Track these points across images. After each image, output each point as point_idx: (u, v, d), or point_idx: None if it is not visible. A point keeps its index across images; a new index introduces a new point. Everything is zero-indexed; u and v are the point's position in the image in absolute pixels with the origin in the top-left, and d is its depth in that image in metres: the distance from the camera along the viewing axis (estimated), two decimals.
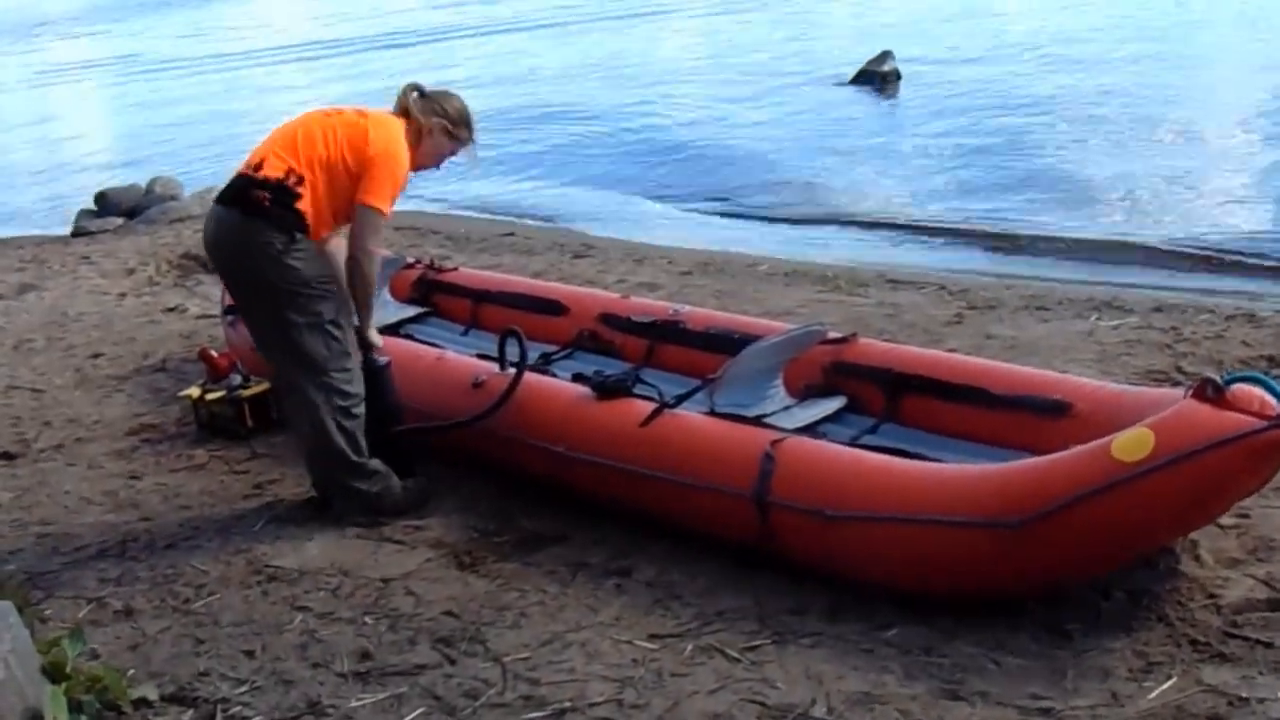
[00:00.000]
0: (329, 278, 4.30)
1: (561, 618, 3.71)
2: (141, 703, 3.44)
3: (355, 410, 4.36)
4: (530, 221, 10.05)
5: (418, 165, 4.49)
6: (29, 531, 4.71)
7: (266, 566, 4.21)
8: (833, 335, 4.71)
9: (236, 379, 5.46)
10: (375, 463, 4.44)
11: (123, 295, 8.21)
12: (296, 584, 4.08)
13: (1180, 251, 7.78)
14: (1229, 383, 3.29)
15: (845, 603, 3.61)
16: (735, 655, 3.42)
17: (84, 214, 11.15)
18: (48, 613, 4.03)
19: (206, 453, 5.28)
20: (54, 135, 18.41)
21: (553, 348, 5.39)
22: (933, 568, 3.49)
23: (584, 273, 7.65)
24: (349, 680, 3.51)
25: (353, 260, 4.30)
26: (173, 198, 11.11)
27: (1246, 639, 3.28)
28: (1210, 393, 3.26)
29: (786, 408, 4.49)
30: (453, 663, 3.53)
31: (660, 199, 10.47)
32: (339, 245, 4.44)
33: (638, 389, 4.38)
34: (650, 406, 4.17)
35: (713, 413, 4.20)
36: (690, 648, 3.48)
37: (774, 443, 3.82)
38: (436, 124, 4.46)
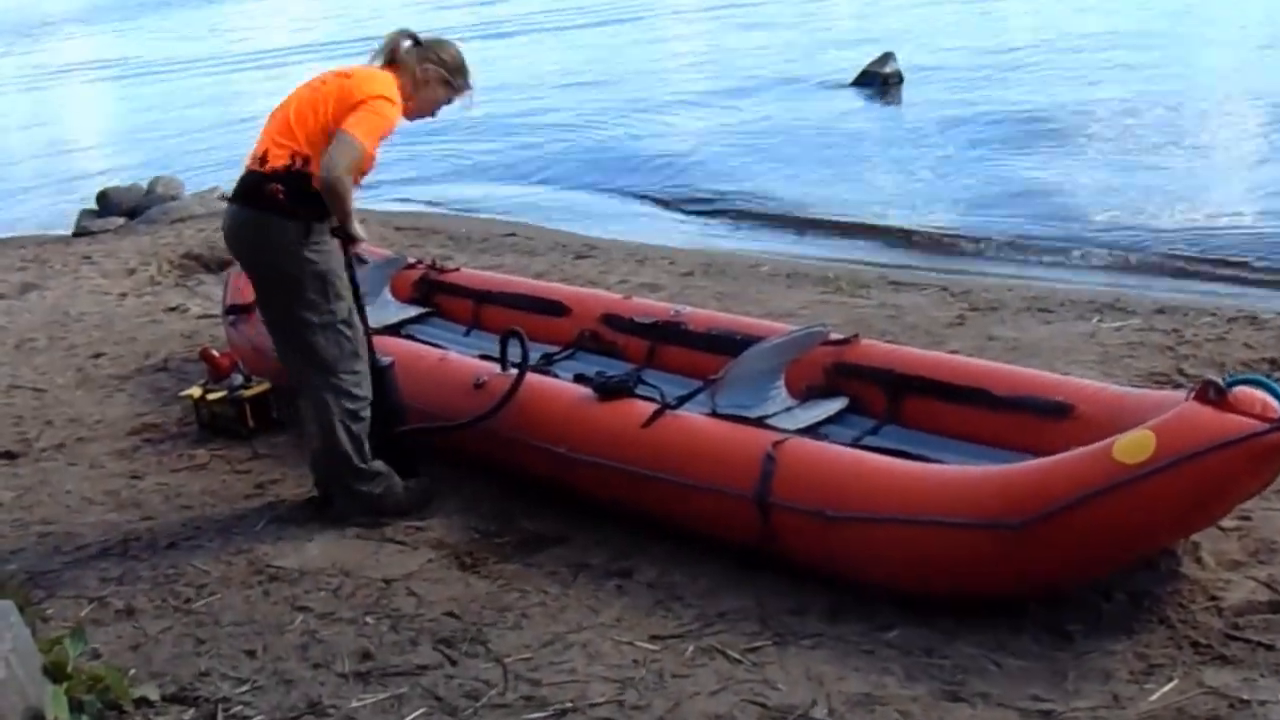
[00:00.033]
0: (343, 274, 4.30)
1: (563, 618, 3.71)
2: (143, 702, 3.44)
3: (363, 413, 4.36)
4: (532, 222, 10.04)
5: (414, 114, 4.43)
6: (30, 531, 4.72)
7: (268, 566, 4.21)
8: (834, 336, 4.71)
9: (238, 379, 5.46)
10: (378, 464, 4.44)
11: (124, 295, 8.21)
12: (298, 584, 4.08)
13: (1181, 254, 7.76)
14: (1231, 385, 3.29)
15: (846, 604, 3.61)
16: (736, 656, 3.42)
17: (85, 214, 11.16)
18: (49, 612, 4.03)
19: (208, 452, 5.28)
20: (55, 135, 18.41)
21: (554, 348, 5.39)
22: (934, 569, 3.49)
23: (586, 273, 7.65)
24: (350, 680, 3.51)
25: (323, 184, 4.09)
26: (174, 198, 11.12)
27: (1248, 641, 3.28)
28: (1212, 395, 3.26)
29: (788, 409, 4.49)
30: (454, 663, 3.54)
31: (661, 200, 10.46)
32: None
33: (639, 390, 4.38)
34: (652, 407, 4.17)
35: (714, 414, 4.20)
36: (691, 649, 3.48)
37: (775, 444, 3.82)
38: (433, 72, 4.41)
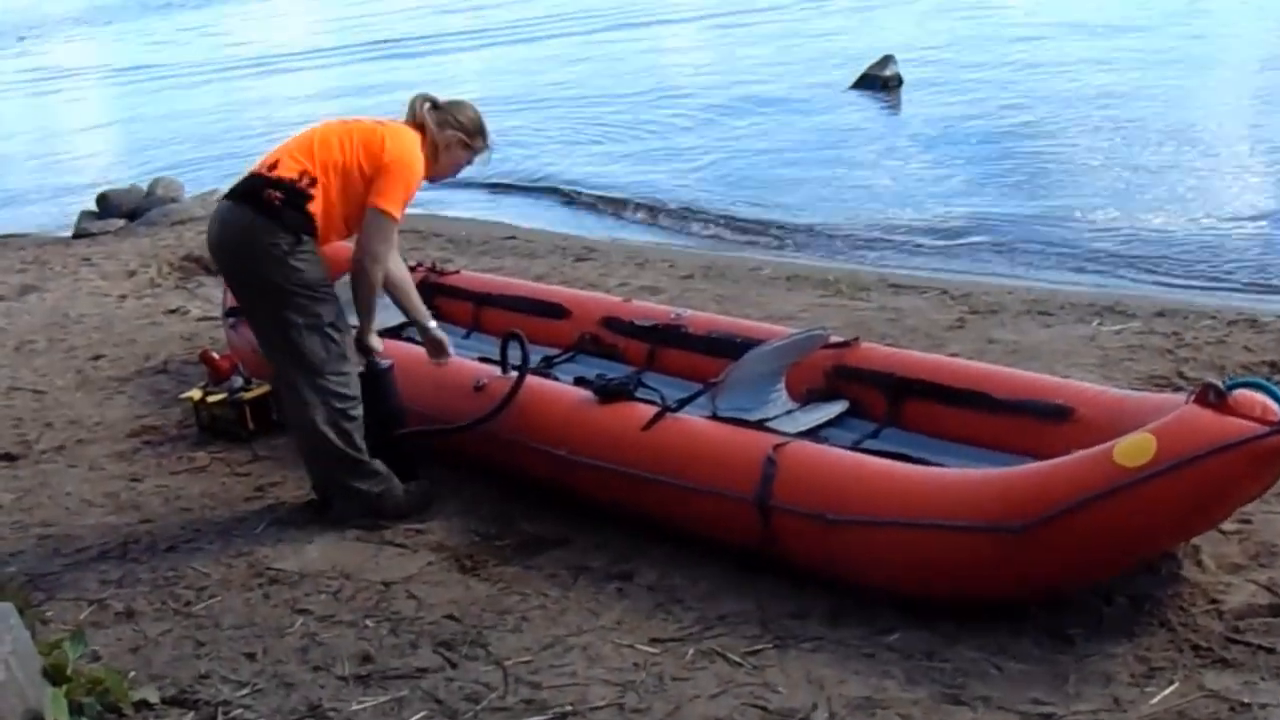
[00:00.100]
0: (328, 282, 4.31)
1: (563, 621, 3.71)
2: (142, 705, 3.44)
3: (352, 412, 4.36)
4: (531, 225, 10.05)
5: (434, 177, 4.52)
6: (30, 533, 4.71)
7: (268, 569, 4.21)
8: (835, 339, 4.70)
9: (238, 381, 5.47)
10: (376, 463, 4.44)
11: (124, 297, 8.21)
12: (297, 587, 4.08)
13: (1183, 257, 7.76)
14: (1231, 388, 3.28)
15: (847, 607, 3.60)
16: (737, 659, 3.42)
17: (85, 215, 11.17)
18: (49, 614, 4.03)
19: (208, 455, 5.28)
20: (55, 136, 18.42)
21: (554, 351, 5.39)
22: (935, 572, 3.49)
23: (585, 276, 7.65)
24: (350, 683, 3.51)
25: (358, 264, 4.30)
26: (174, 200, 11.12)
27: (1248, 644, 3.28)
28: (1212, 398, 3.26)
29: (788, 412, 4.49)
30: (454, 666, 3.53)
31: (662, 202, 10.45)
32: (398, 263, 4.51)
33: (640, 393, 4.38)
34: (652, 410, 4.17)
35: (715, 417, 4.20)
36: (692, 652, 3.48)
37: (776, 447, 3.82)
38: (453, 137, 4.48)
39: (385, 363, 4.58)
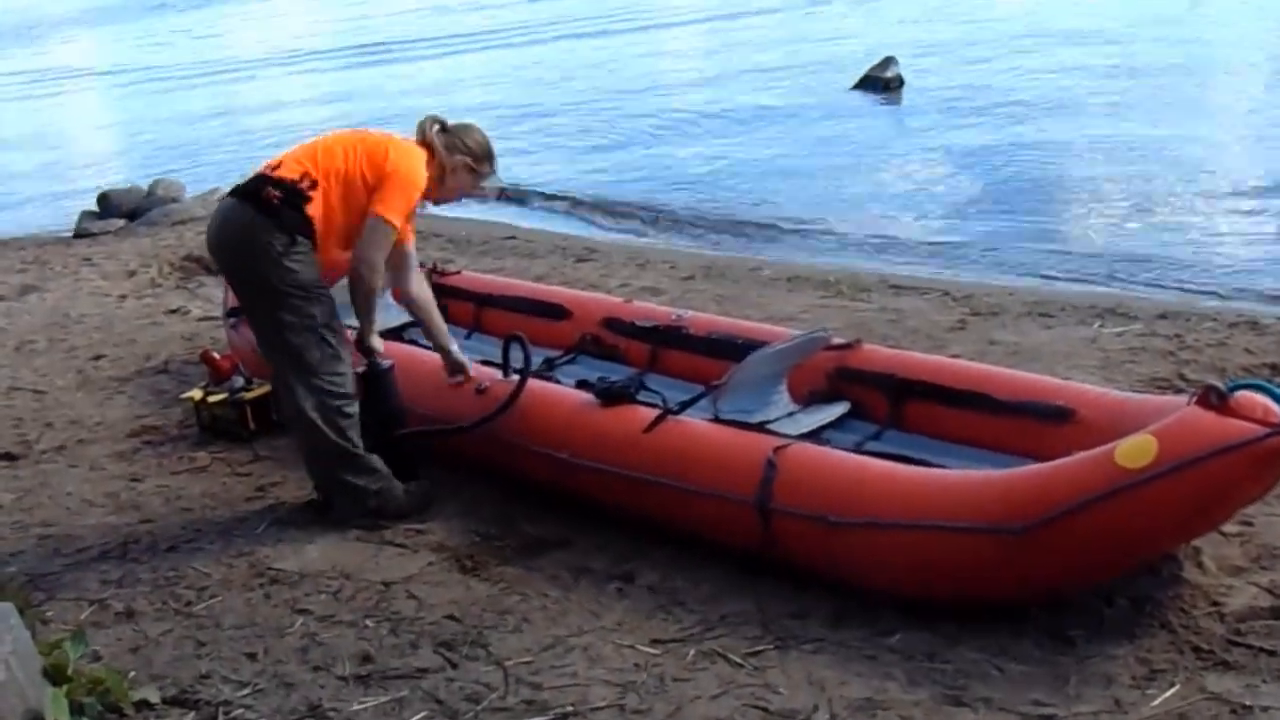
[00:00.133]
0: (323, 284, 4.31)
1: (564, 622, 3.71)
2: (143, 705, 3.44)
3: (347, 409, 4.37)
4: (532, 225, 10.05)
5: (439, 199, 4.57)
6: (30, 533, 4.71)
7: (268, 569, 4.21)
8: (836, 341, 4.70)
9: (238, 381, 5.47)
10: (375, 461, 4.44)
11: (124, 297, 8.22)
12: (298, 587, 4.08)
13: (1184, 259, 7.76)
14: (1232, 390, 3.28)
15: (848, 609, 3.60)
16: (738, 661, 3.42)
17: (86, 215, 11.17)
18: (49, 614, 4.03)
19: (208, 455, 5.28)
20: (56, 137, 18.43)
21: (556, 352, 5.39)
22: (936, 574, 3.49)
23: (586, 277, 7.65)
24: (350, 683, 3.50)
25: (354, 271, 4.31)
26: (174, 200, 11.13)
27: (1250, 647, 3.27)
28: (1214, 400, 3.26)
29: (790, 414, 4.49)
30: (454, 666, 3.53)
31: (662, 203, 10.46)
32: (421, 284, 4.57)
33: (641, 395, 4.38)
34: (653, 413, 4.17)
35: (716, 419, 4.20)
36: (692, 653, 3.48)
37: (777, 449, 3.81)
38: (460, 161, 4.50)
39: (386, 363, 4.58)
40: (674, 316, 5.29)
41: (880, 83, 14.10)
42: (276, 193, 4.22)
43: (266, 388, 5.36)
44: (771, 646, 3.47)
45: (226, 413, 5.41)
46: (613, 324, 5.39)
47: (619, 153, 12.61)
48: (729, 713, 3.20)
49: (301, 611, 3.92)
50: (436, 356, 5.02)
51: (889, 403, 4.45)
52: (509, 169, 11.85)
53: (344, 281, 4.40)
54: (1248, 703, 3.05)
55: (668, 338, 5.17)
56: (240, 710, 3.44)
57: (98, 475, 5.21)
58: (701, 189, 10.79)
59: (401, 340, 5.51)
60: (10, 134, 18.86)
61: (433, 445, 4.68)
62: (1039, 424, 4.02)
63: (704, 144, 12.53)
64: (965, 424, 4.22)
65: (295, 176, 4.25)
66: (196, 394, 5.53)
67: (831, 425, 4.43)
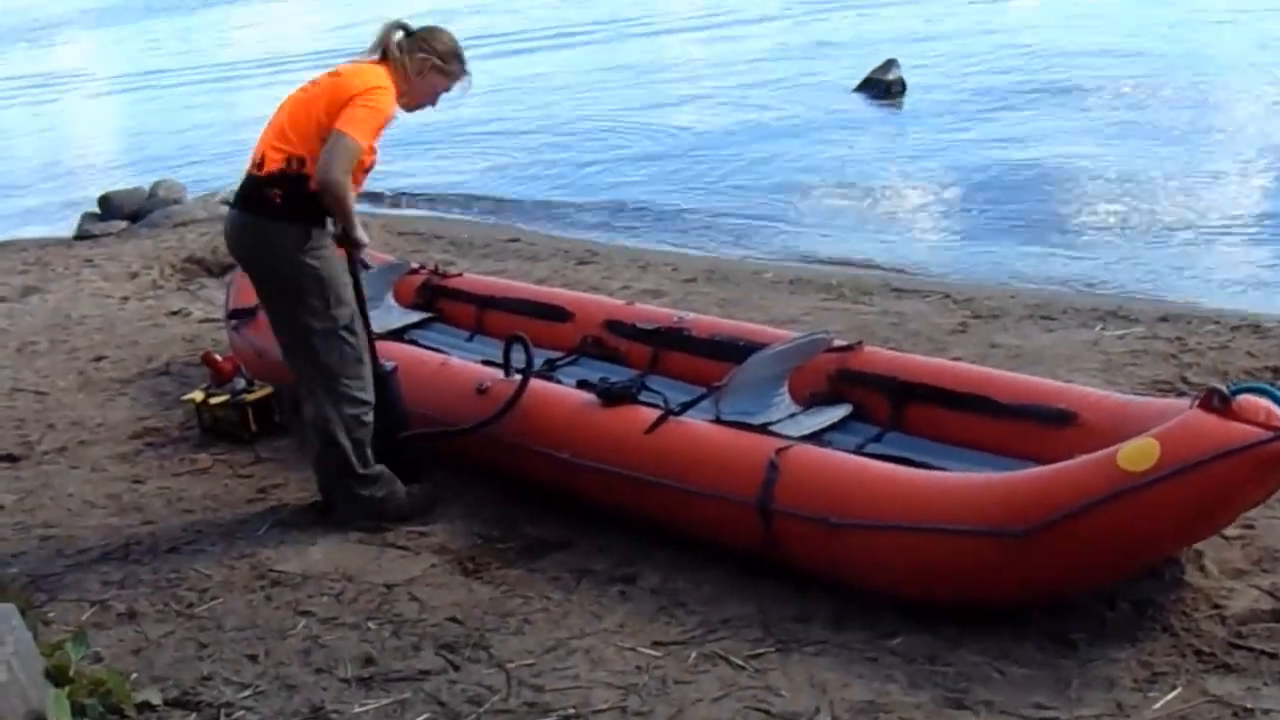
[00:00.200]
0: (345, 280, 4.30)
1: (566, 624, 3.71)
2: (145, 706, 3.44)
3: (365, 418, 4.36)
4: (534, 228, 10.05)
5: (413, 105, 4.42)
6: (32, 534, 4.71)
7: (270, 571, 4.21)
8: (838, 343, 4.70)
9: (240, 383, 5.47)
10: (379, 469, 4.44)
11: (126, 298, 8.21)
12: (300, 589, 4.08)
13: (1185, 261, 7.76)
14: (1235, 393, 3.28)
15: (850, 611, 3.60)
16: (739, 663, 3.42)
17: (87, 217, 11.17)
18: (51, 616, 4.03)
19: (210, 457, 5.28)
20: (57, 138, 18.43)
21: (557, 354, 5.39)
22: (937, 576, 3.49)
23: (588, 279, 7.65)
24: (352, 685, 3.50)
25: (321, 185, 4.09)
26: (176, 201, 11.12)
27: (1251, 650, 3.27)
28: (1216, 403, 3.26)
29: (791, 415, 4.48)
30: (457, 669, 3.53)
31: (664, 206, 10.46)
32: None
33: (642, 396, 4.38)
34: (655, 414, 4.17)
35: (718, 420, 4.20)
36: (694, 655, 3.48)
37: (779, 451, 3.82)
38: (425, 61, 4.37)
39: (389, 365, 4.58)
40: (675, 318, 5.29)
41: (882, 85, 14.09)
42: (277, 191, 4.18)
43: (268, 389, 5.37)
44: (773, 649, 3.47)
45: (228, 414, 5.41)
46: (614, 326, 5.39)
47: (619, 155, 12.60)
48: (730, 715, 3.20)
49: (303, 613, 3.92)
50: (438, 358, 5.04)
51: (890, 405, 4.44)
52: (508, 159, 11.96)
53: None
54: (1249, 706, 3.05)
55: (669, 340, 5.17)
56: (242, 712, 3.44)
57: (99, 477, 5.21)
58: (702, 191, 10.79)
59: (402, 341, 5.51)
60: (12, 136, 18.86)
61: (435, 446, 4.68)
62: (1041, 427, 4.01)
63: (704, 145, 12.52)
64: (967, 427, 4.22)
65: (282, 164, 4.18)
66: (198, 395, 5.53)
67: (833, 427, 4.43)
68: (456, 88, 4.53)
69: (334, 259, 4.27)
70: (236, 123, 16.50)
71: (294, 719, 3.39)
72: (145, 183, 11.76)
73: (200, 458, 5.28)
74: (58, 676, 3.35)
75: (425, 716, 3.33)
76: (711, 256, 8.62)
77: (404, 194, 11.64)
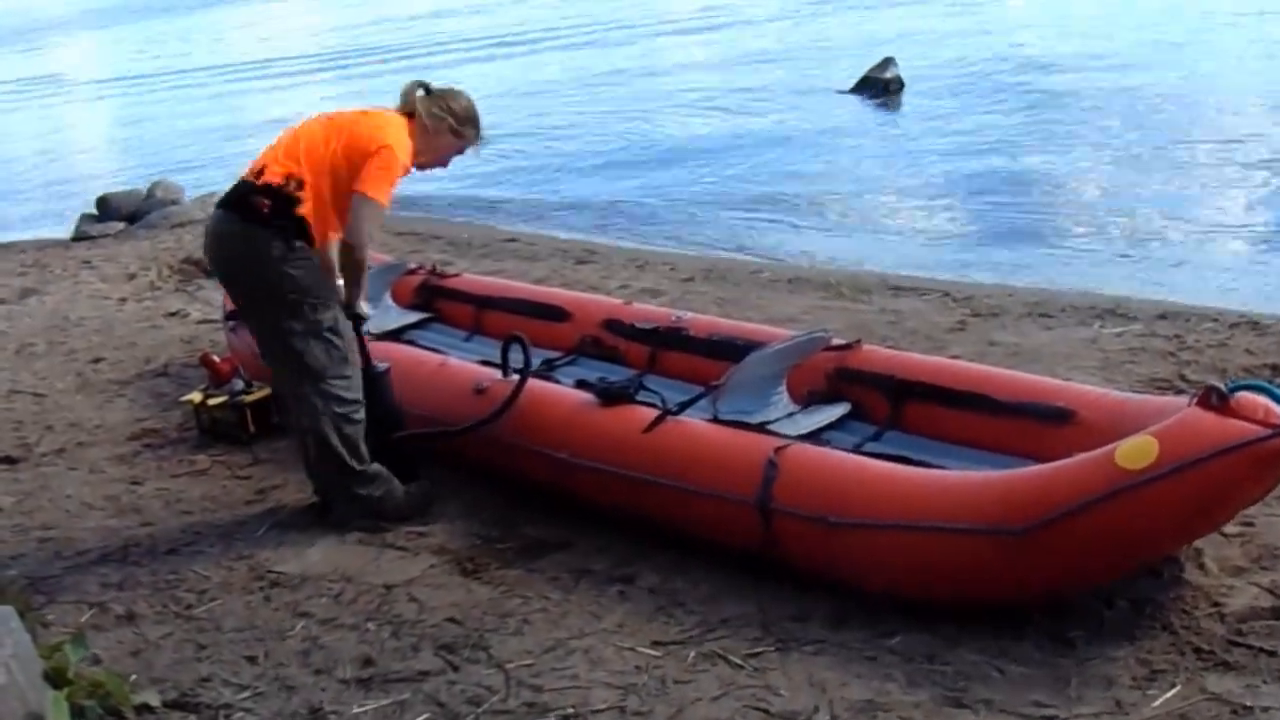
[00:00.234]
0: (327, 287, 4.30)
1: (564, 624, 3.70)
2: (144, 708, 3.44)
3: (355, 416, 4.36)
4: (532, 228, 10.05)
5: (423, 164, 4.49)
6: (30, 536, 4.71)
7: (269, 572, 4.21)
8: (836, 342, 4.70)
9: (238, 384, 5.46)
10: (376, 467, 4.44)
11: (124, 300, 8.21)
12: (299, 590, 4.08)
13: (1184, 260, 7.76)
14: (1233, 391, 3.28)
15: (848, 610, 3.60)
16: (738, 662, 3.42)
17: (85, 218, 11.16)
18: (49, 618, 4.03)
19: (208, 458, 5.28)
20: (55, 140, 18.43)
21: (555, 354, 5.38)
22: (936, 575, 3.49)
23: (586, 279, 7.65)
24: (351, 687, 3.50)
25: (347, 248, 4.24)
26: (174, 202, 11.11)
27: (1251, 647, 3.27)
28: (1214, 401, 3.26)
29: (790, 414, 4.49)
30: (456, 669, 3.53)
31: (662, 206, 10.46)
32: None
33: (641, 395, 4.38)
34: (653, 413, 4.17)
35: (716, 419, 4.20)
36: (693, 655, 3.48)
37: (777, 450, 3.81)
38: (442, 124, 4.44)
39: (382, 366, 4.58)
40: (673, 318, 5.29)
41: (880, 84, 14.11)
42: (265, 200, 4.19)
43: (266, 390, 5.37)
44: (772, 648, 3.47)
45: (226, 415, 5.41)
46: (612, 325, 5.39)
47: (617, 154, 12.61)
48: (730, 714, 3.20)
49: (302, 614, 3.92)
50: (436, 359, 5.04)
51: (889, 404, 4.44)
52: (507, 160, 11.96)
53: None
54: (1248, 703, 3.05)
55: (667, 339, 5.17)
56: (241, 714, 3.44)
57: (98, 478, 5.21)
58: (700, 190, 10.80)
59: (400, 341, 5.51)
60: (9, 137, 18.85)
61: (433, 446, 4.68)
62: (1039, 425, 4.01)
63: (703, 145, 12.53)
64: (965, 425, 4.22)
65: (281, 180, 4.21)
66: (196, 397, 5.53)
67: (831, 426, 4.43)
68: (468, 151, 4.63)
69: (315, 268, 4.27)
70: (234, 123, 16.55)
71: None
72: (143, 184, 11.76)
73: (198, 459, 5.28)
74: (56, 678, 3.34)
75: (424, 717, 3.33)
76: (709, 256, 8.62)
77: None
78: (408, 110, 4.44)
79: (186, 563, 4.34)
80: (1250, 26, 15.63)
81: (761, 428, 4.20)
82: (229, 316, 5.89)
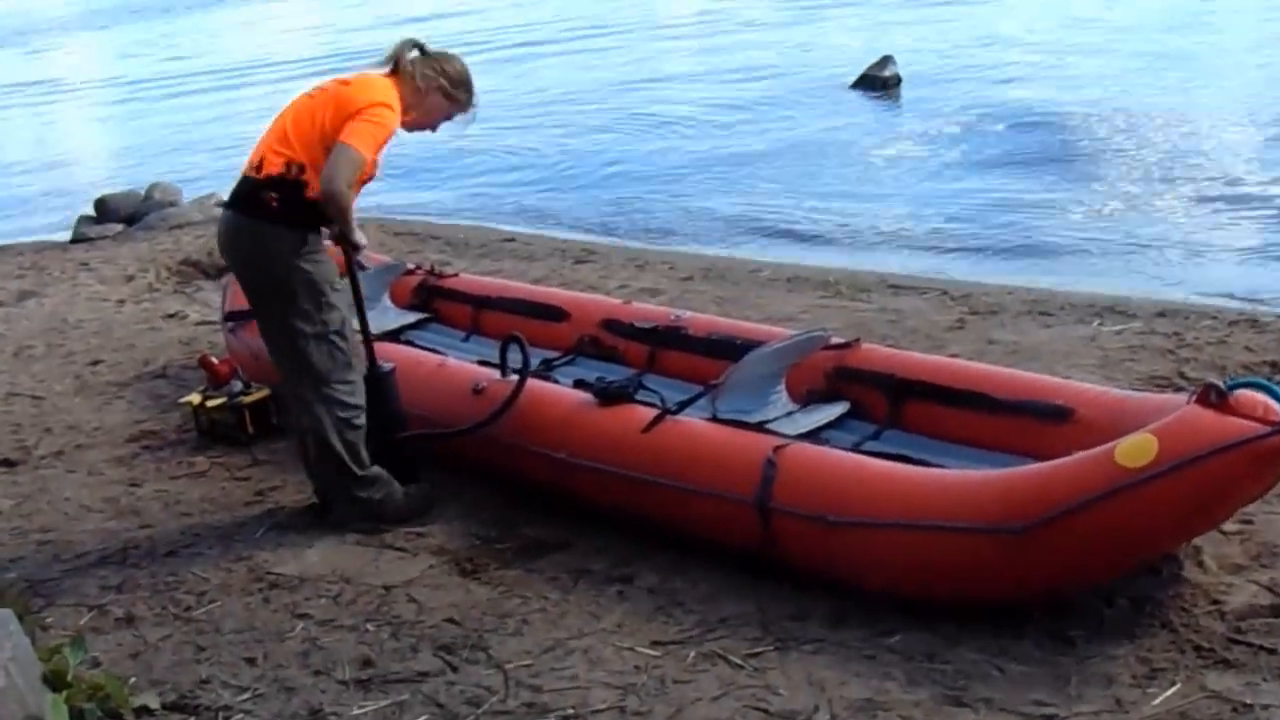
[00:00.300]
0: (337, 285, 4.30)
1: (564, 625, 3.70)
2: (143, 711, 3.44)
3: (356, 421, 4.36)
4: (530, 227, 10.05)
5: (413, 125, 4.41)
6: (29, 539, 4.71)
7: (268, 574, 4.20)
8: (835, 341, 4.70)
9: (237, 385, 5.46)
10: (376, 470, 4.43)
11: (122, 302, 8.20)
12: (298, 591, 4.07)
13: (1183, 258, 7.75)
14: (1232, 388, 3.28)
15: (848, 609, 3.60)
16: (738, 662, 3.41)
17: (83, 220, 11.14)
18: (48, 620, 4.03)
19: (207, 459, 5.28)
20: (53, 141, 18.42)
21: (554, 354, 5.38)
22: (936, 574, 3.49)
23: (585, 278, 7.64)
24: (351, 688, 3.50)
25: (324, 195, 4.09)
26: (172, 204, 11.10)
27: (1250, 645, 3.27)
28: (1213, 398, 3.26)
29: (789, 413, 4.48)
30: (455, 670, 3.53)
31: (660, 204, 10.45)
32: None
33: (640, 395, 4.38)
34: (652, 413, 4.17)
35: (715, 419, 4.20)
36: (692, 654, 3.48)
37: (776, 449, 3.81)
38: (434, 82, 4.37)
39: (387, 366, 4.58)
40: (672, 317, 5.28)
41: (878, 82, 14.12)
42: (273, 194, 4.17)
43: (265, 392, 5.36)
44: (771, 648, 3.47)
45: (225, 417, 5.40)
46: (611, 325, 5.38)
47: (616, 154, 12.60)
48: (729, 714, 3.20)
49: (301, 616, 3.92)
50: (435, 359, 5.03)
51: (888, 402, 4.44)
52: (506, 161, 11.95)
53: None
54: (1249, 701, 3.05)
55: (666, 339, 5.16)
56: (240, 715, 3.43)
57: (96, 480, 5.21)
58: (700, 189, 10.78)
59: (398, 342, 5.51)
60: (7, 140, 18.84)
61: (432, 447, 4.67)
62: (1038, 423, 4.01)
63: (702, 144, 12.52)
64: (964, 423, 4.22)
65: (281, 169, 4.17)
66: (195, 398, 5.53)
67: (830, 425, 4.43)
68: (459, 118, 4.53)
69: (327, 264, 4.26)
70: (232, 124, 16.53)
71: None
72: (140, 185, 11.75)
73: (197, 461, 5.28)
74: (56, 681, 3.34)
75: (424, 718, 3.33)
76: (708, 254, 8.60)
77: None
78: (393, 70, 4.35)
79: (185, 565, 4.34)
80: (1251, 24, 15.63)
81: (760, 427, 4.20)
82: (227, 318, 5.88)
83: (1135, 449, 3.23)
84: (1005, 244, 8.38)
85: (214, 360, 5.59)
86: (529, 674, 3.46)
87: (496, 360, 4.71)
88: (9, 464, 5.49)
